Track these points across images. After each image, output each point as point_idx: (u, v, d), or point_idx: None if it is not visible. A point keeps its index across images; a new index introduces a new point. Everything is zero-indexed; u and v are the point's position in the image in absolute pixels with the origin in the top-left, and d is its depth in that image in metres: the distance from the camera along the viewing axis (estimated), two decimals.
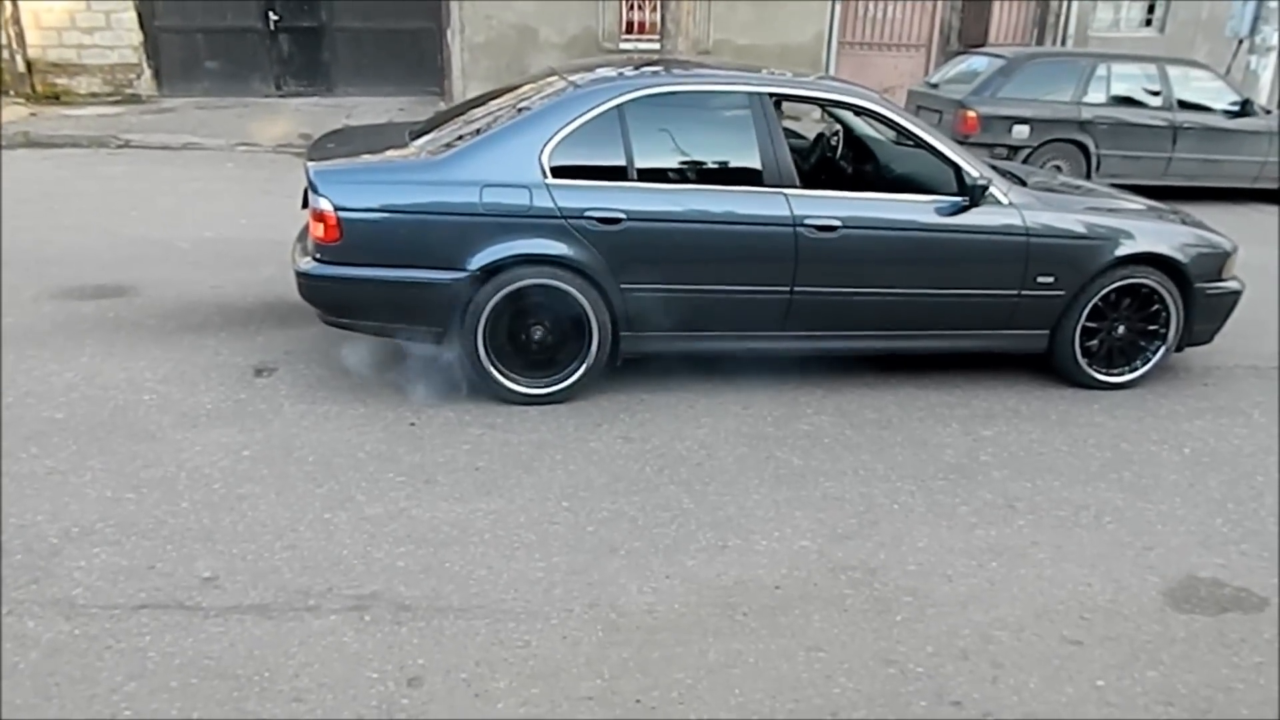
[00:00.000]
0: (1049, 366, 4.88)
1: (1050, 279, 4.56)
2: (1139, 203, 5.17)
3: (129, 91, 12.54)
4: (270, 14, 12.80)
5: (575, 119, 4.19)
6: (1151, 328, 4.81)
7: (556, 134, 4.17)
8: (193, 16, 12.58)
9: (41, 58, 12.29)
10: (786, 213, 4.29)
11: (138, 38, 12.45)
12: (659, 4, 11.48)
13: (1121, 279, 4.66)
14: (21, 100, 11.92)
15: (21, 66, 12.17)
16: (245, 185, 8.76)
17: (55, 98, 12.24)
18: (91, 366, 4.55)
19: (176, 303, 5.46)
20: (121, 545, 3.18)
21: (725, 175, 4.44)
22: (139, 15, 12.38)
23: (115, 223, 7.17)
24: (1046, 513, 3.68)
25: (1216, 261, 4.85)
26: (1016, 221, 4.49)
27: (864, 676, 2.75)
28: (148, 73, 12.66)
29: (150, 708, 2.51)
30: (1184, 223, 4.99)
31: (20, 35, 12.08)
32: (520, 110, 4.35)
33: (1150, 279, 4.69)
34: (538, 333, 4.28)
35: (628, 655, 2.79)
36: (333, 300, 4.23)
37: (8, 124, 10.61)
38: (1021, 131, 9.09)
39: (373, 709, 2.54)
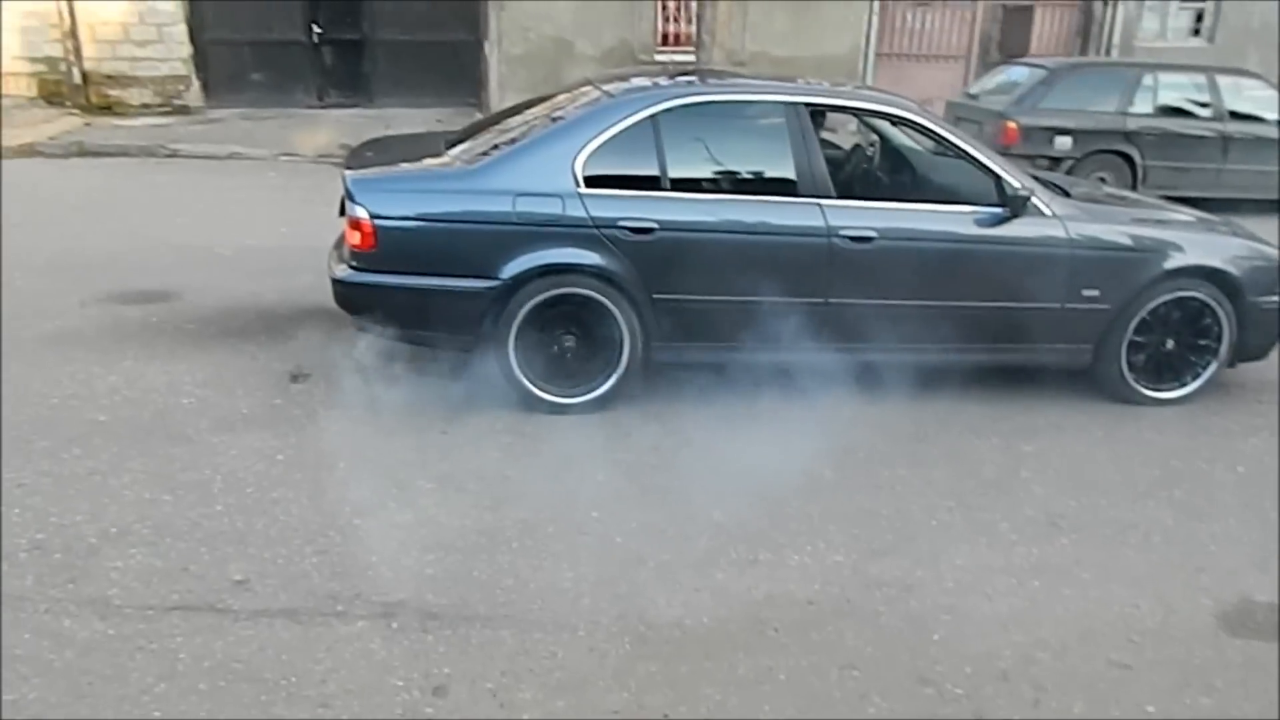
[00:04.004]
0: (1094, 381, 4.76)
1: (1095, 292, 4.45)
2: (1188, 214, 5.04)
3: (178, 103, 12.79)
4: (314, 27, 13.02)
5: (609, 128, 4.18)
6: (1202, 343, 4.67)
7: (590, 143, 4.16)
8: (240, 29, 12.82)
9: (97, 70, 12.59)
10: (821, 223, 4.23)
11: (188, 50, 12.72)
12: (695, 16, 11.48)
13: (1170, 292, 4.54)
14: (77, 111, 12.22)
15: (78, 78, 12.48)
16: (286, 194, 8.88)
17: (109, 108, 12.52)
18: (134, 370, 4.61)
19: (217, 308, 5.52)
20: (157, 546, 3.20)
21: (759, 185, 4.40)
22: (189, 28, 12.64)
23: (161, 230, 7.29)
24: (1091, 531, 3.58)
25: (1270, 275, 4.70)
26: (1059, 233, 4.39)
27: (899, 696, 2.68)
28: (196, 85, 12.91)
29: (179, 709, 2.51)
30: (1235, 235, 4.85)
31: (77, 49, 12.39)
32: (554, 119, 4.35)
33: (1200, 292, 4.56)
34: (569, 342, 4.27)
35: (656, 669, 2.75)
36: (367, 307, 4.24)
37: (63, 134, 10.88)
38: (1064, 143, 8.94)
39: (397, 717, 2.52)
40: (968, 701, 2.67)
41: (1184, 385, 4.72)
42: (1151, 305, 4.54)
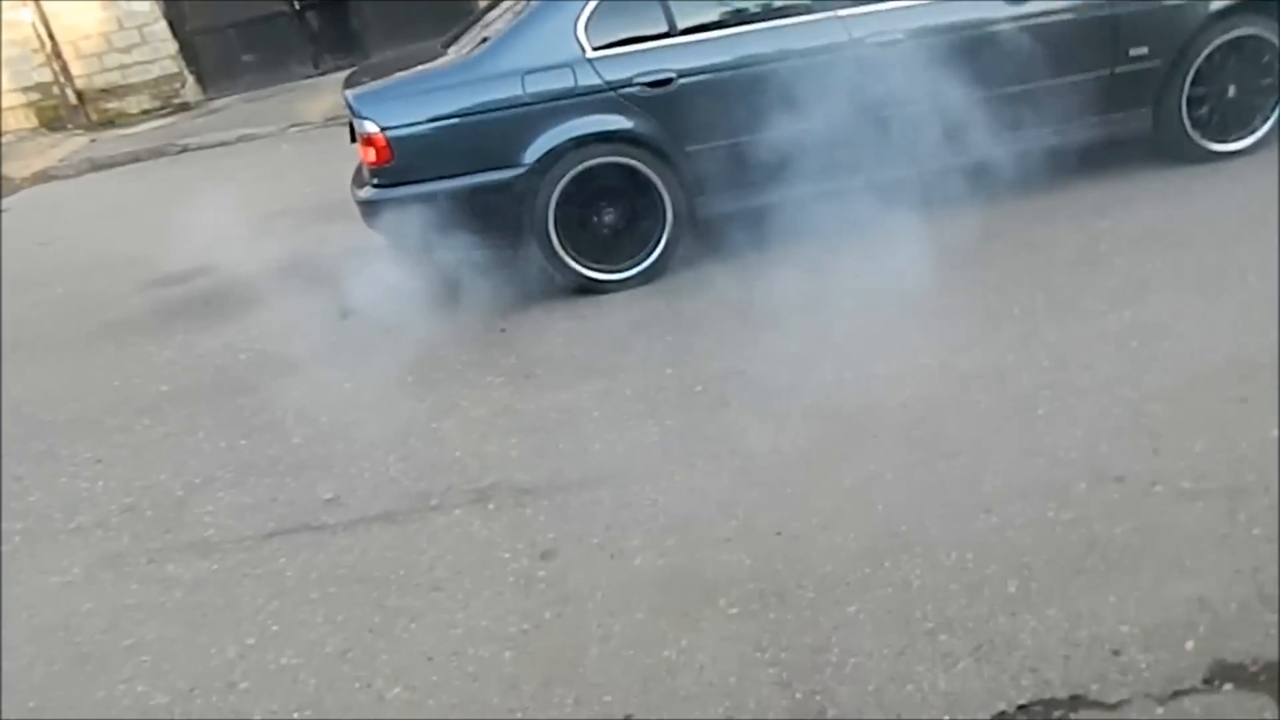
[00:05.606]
0: (1159, 148, 4.48)
1: (1143, 50, 4.17)
2: None
3: (177, 101, 12.69)
4: None
5: None
6: (1265, 82, 4.34)
7: (588, 4, 3.97)
8: (221, 14, 12.56)
9: (90, 86, 12.52)
10: (845, 37, 4.01)
11: (173, 46, 12.54)
12: None
13: (1222, 34, 4.22)
14: (80, 130, 12.21)
15: (73, 98, 12.43)
16: (302, 160, 8.78)
17: (111, 122, 12.47)
18: (186, 341, 4.62)
19: (254, 271, 5.44)
20: (242, 486, 3.21)
21: (773, 11, 4.16)
22: (170, 23, 12.47)
23: (185, 217, 7.17)
24: (1184, 284, 3.41)
25: None
26: None
27: (1013, 471, 2.58)
28: (190, 79, 12.79)
29: (295, 620, 2.52)
30: None
31: (65, 68, 12.30)
32: None
33: (1255, 28, 4.23)
34: (609, 215, 4.13)
35: (759, 494, 2.68)
36: (399, 223, 4.13)
37: (72, 155, 10.90)
38: None
39: (510, 585, 2.50)
40: (1085, 462, 2.56)
41: (1254, 131, 4.41)
42: (1205, 53, 4.23)
